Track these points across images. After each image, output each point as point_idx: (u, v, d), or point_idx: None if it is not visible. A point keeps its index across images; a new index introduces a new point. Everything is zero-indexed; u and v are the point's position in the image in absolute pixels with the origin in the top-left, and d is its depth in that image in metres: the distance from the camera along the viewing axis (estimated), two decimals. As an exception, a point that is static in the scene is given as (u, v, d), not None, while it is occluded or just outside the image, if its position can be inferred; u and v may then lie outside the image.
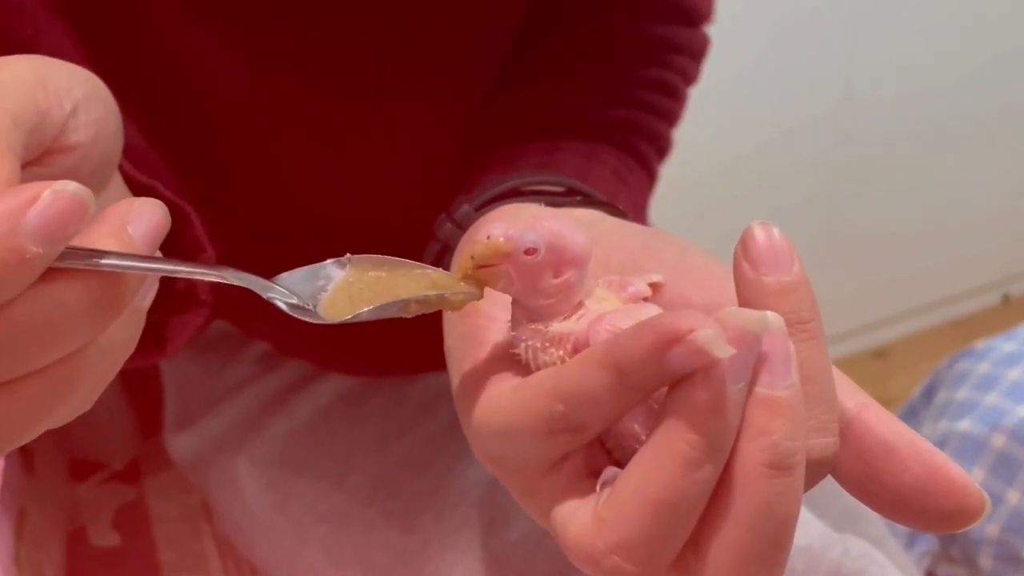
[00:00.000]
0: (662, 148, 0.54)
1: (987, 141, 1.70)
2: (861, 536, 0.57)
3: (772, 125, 1.49)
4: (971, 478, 0.85)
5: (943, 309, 1.83)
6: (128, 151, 0.35)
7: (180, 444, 0.65)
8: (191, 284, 0.37)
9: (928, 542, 1.05)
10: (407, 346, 0.57)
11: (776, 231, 0.26)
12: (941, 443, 1.05)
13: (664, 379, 0.23)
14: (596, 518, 0.25)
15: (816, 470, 0.25)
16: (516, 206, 0.37)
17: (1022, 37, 1.62)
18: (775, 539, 0.24)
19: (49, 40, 0.43)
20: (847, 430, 0.26)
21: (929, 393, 1.16)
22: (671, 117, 0.54)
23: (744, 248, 0.26)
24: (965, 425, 1.03)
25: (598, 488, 0.26)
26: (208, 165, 0.51)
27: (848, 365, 1.73)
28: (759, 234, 0.25)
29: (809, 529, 0.53)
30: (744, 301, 0.26)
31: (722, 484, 0.24)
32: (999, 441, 1.00)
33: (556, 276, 0.27)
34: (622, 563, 0.24)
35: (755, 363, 0.23)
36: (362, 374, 0.62)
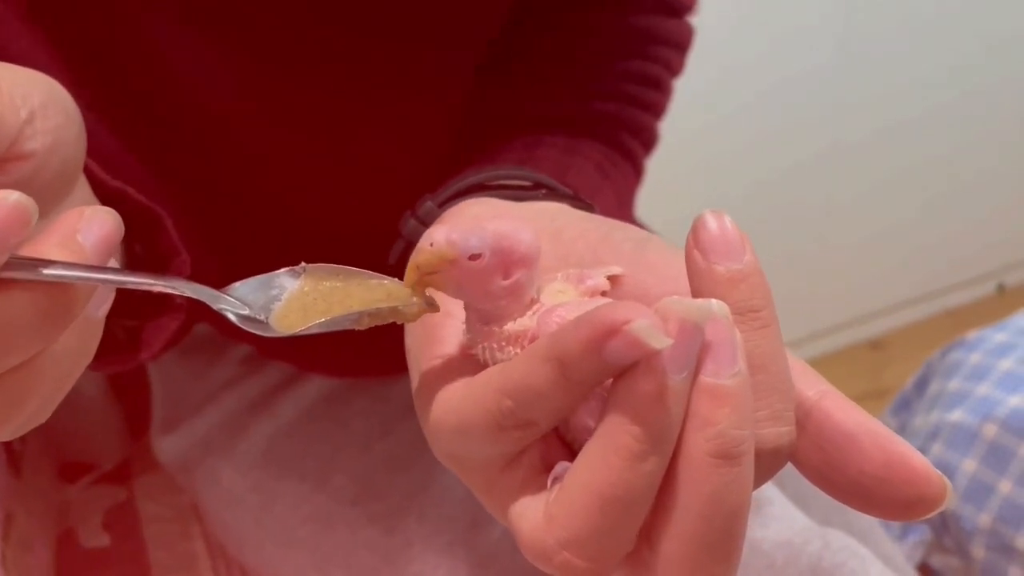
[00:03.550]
0: (648, 141, 0.54)
1: (982, 133, 1.69)
2: (848, 528, 0.57)
3: (767, 117, 1.48)
4: (964, 468, 0.83)
5: (938, 299, 1.83)
6: (101, 157, 0.35)
7: (167, 446, 0.65)
8: None
9: (921, 532, 1.05)
10: (389, 346, 0.57)
11: (728, 220, 0.25)
12: (933, 434, 1.05)
13: (606, 372, 0.23)
14: (546, 515, 0.25)
15: (773, 459, 0.25)
16: (461, 206, 0.37)
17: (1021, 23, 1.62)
18: (726, 530, 0.24)
19: (20, 47, 0.43)
20: (806, 419, 0.26)
21: (921, 384, 1.16)
22: (656, 109, 0.54)
23: (695, 237, 0.25)
24: (957, 416, 1.03)
25: (549, 484, 0.26)
26: (192, 168, 0.51)
27: (844, 356, 1.73)
28: (711, 223, 0.25)
29: (791, 523, 0.53)
30: (696, 290, 0.25)
31: (670, 476, 0.24)
32: (991, 431, 0.99)
33: (506, 278, 0.27)
34: (572, 559, 0.24)
35: (699, 352, 0.23)
36: (345, 375, 0.62)
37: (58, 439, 0.73)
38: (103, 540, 0.69)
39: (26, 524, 0.62)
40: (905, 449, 0.25)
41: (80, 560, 0.67)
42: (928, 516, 0.25)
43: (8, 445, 0.65)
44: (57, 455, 0.74)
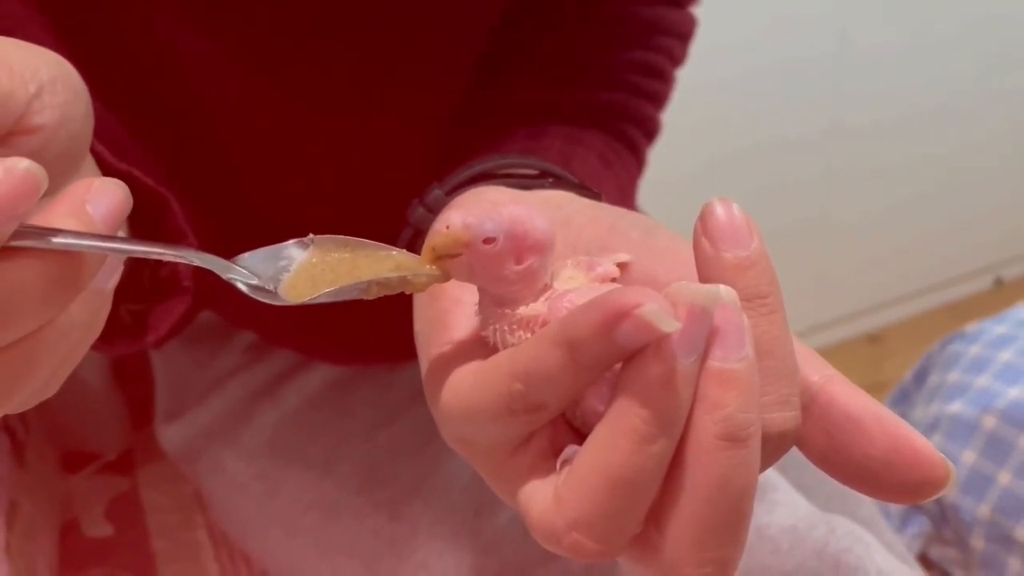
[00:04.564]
0: (650, 131, 0.54)
1: (981, 126, 1.69)
2: (850, 517, 0.58)
3: (767, 113, 1.49)
4: (963, 459, 0.84)
5: (937, 293, 1.83)
6: (108, 144, 0.35)
7: (170, 434, 0.65)
8: (174, 271, 0.37)
9: (920, 523, 1.05)
10: (394, 334, 0.57)
11: (736, 207, 0.25)
12: (933, 425, 1.05)
13: (616, 355, 0.23)
14: (556, 497, 0.25)
15: (778, 444, 0.25)
16: (478, 191, 0.37)
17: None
18: (733, 512, 0.24)
19: (26, 33, 0.43)
20: (812, 403, 0.26)
21: (921, 376, 1.16)
22: (659, 99, 0.54)
23: (703, 224, 0.25)
24: (956, 407, 1.03)
25: (558, 466, 0.26)
26: (197, 157, 0.51)
27: (843, 350, 1.73)
28: (719, 210, 0.25)
29: (795, 509, 0.53)
30: (704, 277, 0.26)
31: (678, 458, 0.24)
32: (990, 423, 1.00)
33: (518, 263, 0.27)
34: (582, 540, 0.25)
35: (708, 336, 0.23)
36: (349, 363, 0.62)
37: (62, 429, 0.74)
38: (106, 529, 0.69)
39: (30, 513, 0.62)
40: (909, 432, 0.25)
41: (83, 549, 0.67)
42: (932, 498, 0.25)
43: (12, 434, 0.65)
44: (61, 445, 0.74)
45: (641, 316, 0.22)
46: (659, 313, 0.22)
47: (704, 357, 0.23)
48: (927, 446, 0.25)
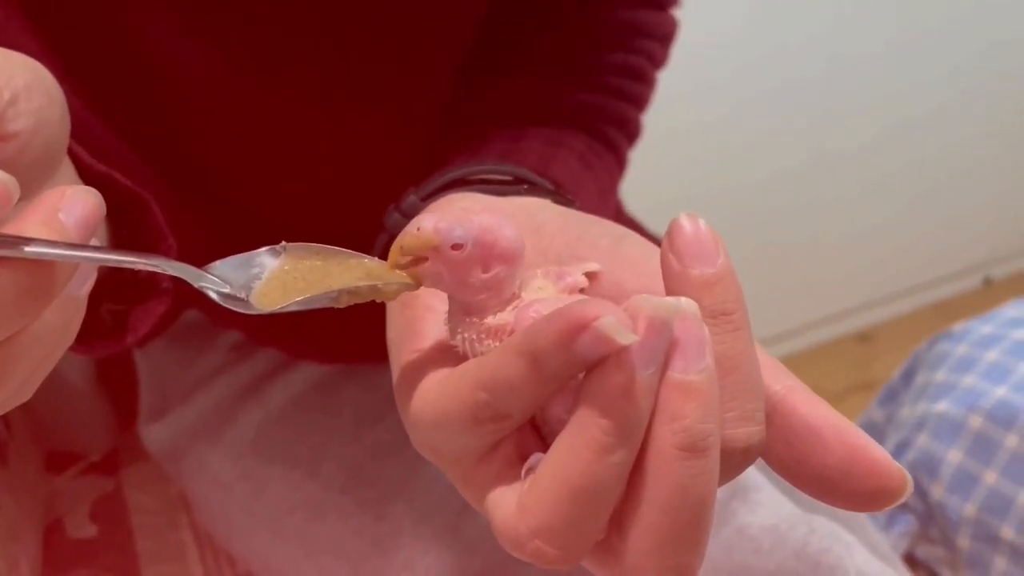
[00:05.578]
0: (631, 133, 0.54)
1: (970, 130, 1.70)
2: (834, 517, 0.58)
3: (763, 114, 1.49)
4: (949, 458, 0.83)
5: (926, 292, 1.83)
6: (90, 143, 0.35)
7: (155, 434, 0.65)
8: (153, 272, 0.38)
9: (906, 523, 1.05)
10: (378, 334, 0.57)
11: (702, 223, 0.26)
12: (919, 424, 1.05)
13: (577, 366, 0.24)
14: (519, 504, 0.25)
15: (743, 458, 0.26)
16: (452, 198, 0.37)
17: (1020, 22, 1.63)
18: (692, 520, 0.24)
19: (6, 35, 0.43)
20: (773, 412, 0.26)
21: (908, 375, 1.16)
22: (640, 101, 0.55)
23: (670, 240, 0.26)
24: (943, 407, 1.04)
25: (523, 474, 0.26)
26: (182, 155, 0.51)
27: (832, 349, 1.73)
28: (686, 226, 0.26)
29: (777, 509, 0.54)
30: (670, 292, 0.26)
31: (638, 467, 0.24)
32: (976, 422, 1.00)
33: (485, 271, 0.28)
34: (543, 547, 0.25)
35: (668, 348, 0.23)
36: (335, 362, 0.62)
37: (45, 429, 0.74)
38: (90, 530, 0.69)
39: (13, 514, 0.62)
40: (867, 442, 0.25)
41: (67, 550, 0.67)
42: (889, 507, 0.26)
43: (-5, 435, 0.65)
44: (44, 445, 0.74)
45: (599, 328, 0.22)
46: (616, 326, 0.22)
47: (664, 368, 0.24)
48: (884, 456, 0.25)
